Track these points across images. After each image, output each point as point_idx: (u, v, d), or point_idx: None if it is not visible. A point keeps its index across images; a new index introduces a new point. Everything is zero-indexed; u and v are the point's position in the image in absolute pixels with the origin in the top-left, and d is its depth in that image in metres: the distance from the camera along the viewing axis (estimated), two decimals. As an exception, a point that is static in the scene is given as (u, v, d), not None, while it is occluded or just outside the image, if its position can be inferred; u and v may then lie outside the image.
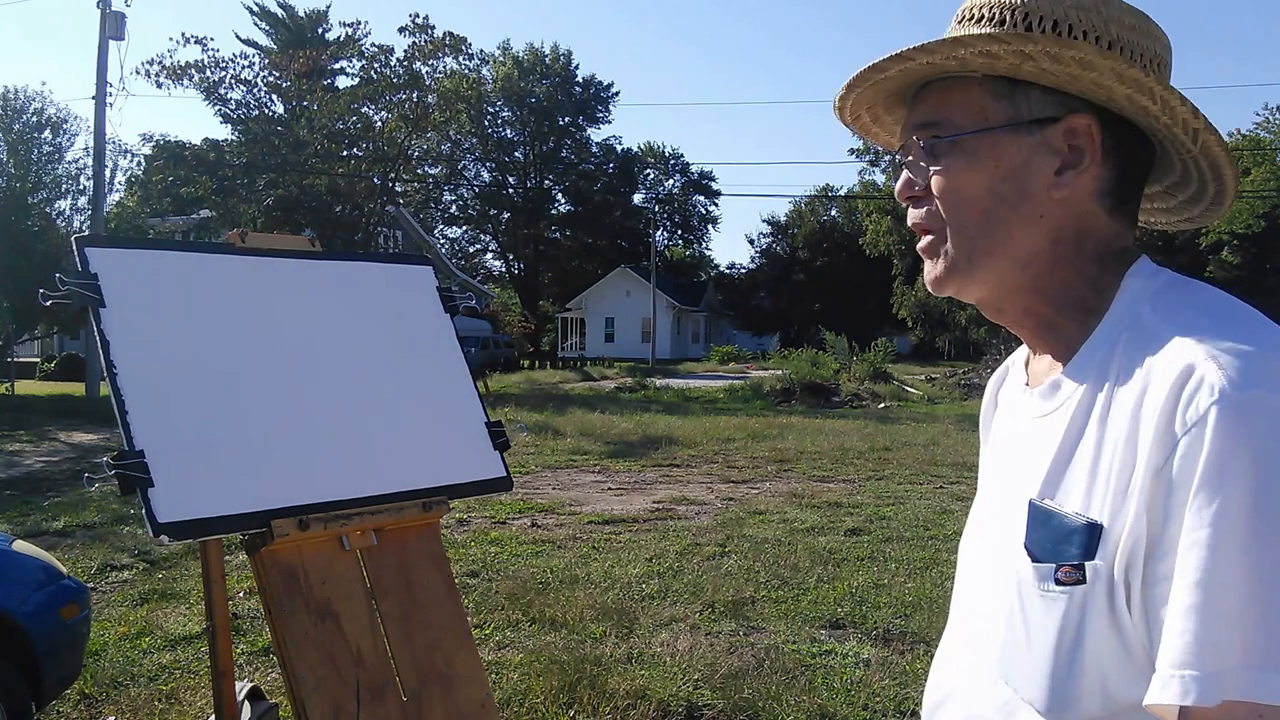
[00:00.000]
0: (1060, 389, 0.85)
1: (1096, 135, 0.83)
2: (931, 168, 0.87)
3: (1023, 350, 1.00)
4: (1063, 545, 0.77)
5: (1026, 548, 0.81)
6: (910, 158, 0.90)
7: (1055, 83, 0.83)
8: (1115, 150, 0.85)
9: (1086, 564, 0.75)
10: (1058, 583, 0.76)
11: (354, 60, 29.42)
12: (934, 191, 0.88)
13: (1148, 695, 0.69)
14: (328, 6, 42.31)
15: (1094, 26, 0.83)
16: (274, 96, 27.64)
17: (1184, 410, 0.70)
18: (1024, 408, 0.91)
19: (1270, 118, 38.67)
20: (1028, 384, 0.92)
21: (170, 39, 64.96)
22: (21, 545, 3.56)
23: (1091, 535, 0.75)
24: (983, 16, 0.86)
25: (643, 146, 59.40)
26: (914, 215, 0.91)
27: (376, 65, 26.86)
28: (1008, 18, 0.84)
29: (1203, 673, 0.65)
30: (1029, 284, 0.87)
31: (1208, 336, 0.74)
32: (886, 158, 0.91)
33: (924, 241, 0.91)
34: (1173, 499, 0.70)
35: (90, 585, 5.49)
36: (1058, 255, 0.86)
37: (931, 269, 0.91)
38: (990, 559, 0.90)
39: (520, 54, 54.34)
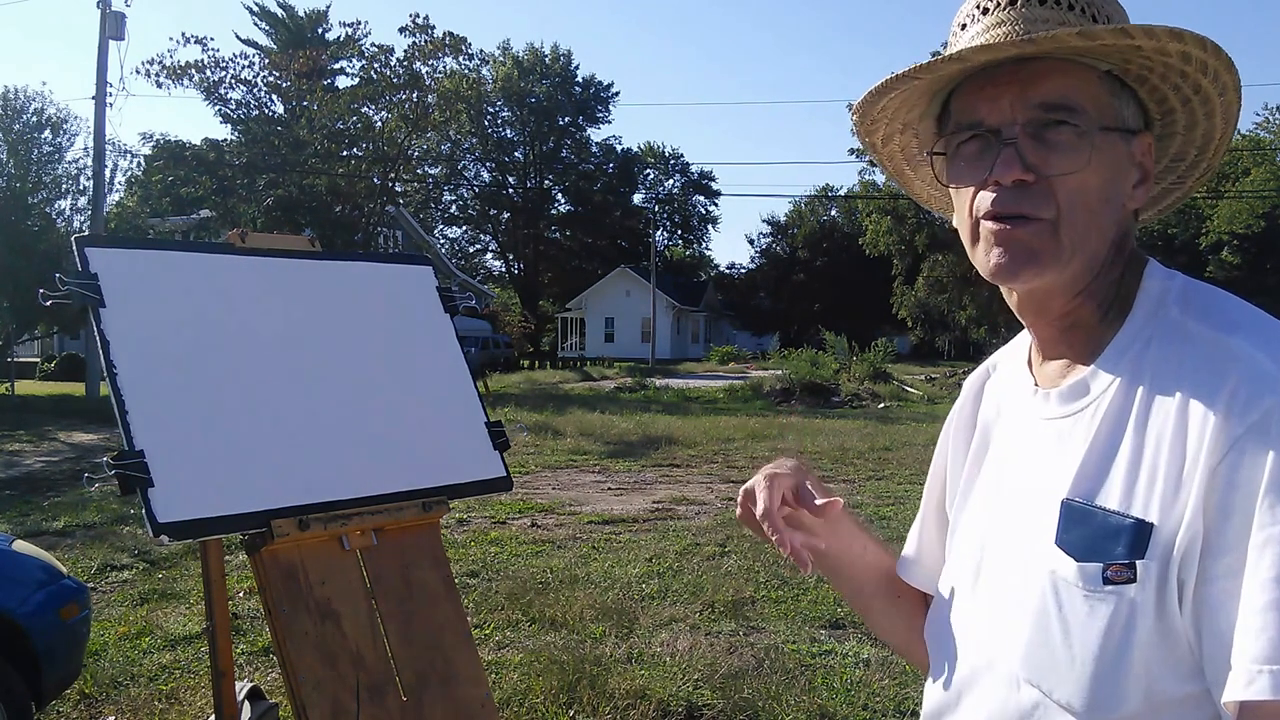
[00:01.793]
0: (1088, 389, 0.84)
1: (1153, 154, 0.87)
2: (1068, 154, 0.81)
3: (1008, 351, 1.00)
4: (1107, 544, 0.76)
5: (1061, 547, 0.79)
6: (1017, 140, 0.82)
7: (1153, 96, 0.86)
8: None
9: (1138, 563, 0.74)
10: (1106, 581, 0.75)
11: (354, 60, 29.50)
12: (1055, 179, 0.81)
13: (1229, 690, 0.68)
14: (328, 6, 42.35)
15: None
16: (274, 96, 27.65)
17: (1243, 407, 0.70)
18: (1034, 411, 0.90)
19: (1270, 118, 38.67)
20: (1037, 385, 0.91)
21: (170, 39, 65.07)
22: (21, 545, 3.56)
23: (1140, 534, 0.74)
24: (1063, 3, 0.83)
25: (643, 146, 59.48)
26: (1009, 200, 0.83)
27: (376, 65, 26.88)
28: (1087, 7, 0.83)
29: None
30: (1084, 284, 0.86)
31: (1253, 336, 0.74)
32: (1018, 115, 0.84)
33: (1013, 226, 0.83)
34: (1235, 496, 0.69)
35: (90, 585, 5.49)
36: (1111, 257, 0.86)
37: (1003, 253, 0.83)
38: (1003, 560, 0.88)
39: (520, 54, 54.36)
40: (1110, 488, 0.78)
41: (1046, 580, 0.80)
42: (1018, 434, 0.92)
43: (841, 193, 58.10)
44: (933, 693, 0.96)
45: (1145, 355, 0.80)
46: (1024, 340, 0.98)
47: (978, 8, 0.87)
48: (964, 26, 0.88)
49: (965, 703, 0.90)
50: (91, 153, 21.15)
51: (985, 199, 0.84)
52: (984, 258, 0.86)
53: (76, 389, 23.18)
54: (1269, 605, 0.66)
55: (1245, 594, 0.68)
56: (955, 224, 0.92)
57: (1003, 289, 0.90)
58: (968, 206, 0.87)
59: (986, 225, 0.85)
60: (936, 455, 1.09)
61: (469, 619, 3.20)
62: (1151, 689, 0.74)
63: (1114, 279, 0.86)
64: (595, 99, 55.91)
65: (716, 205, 64.82)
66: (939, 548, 1.04)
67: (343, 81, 31.96)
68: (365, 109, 26.86)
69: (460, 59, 27.43)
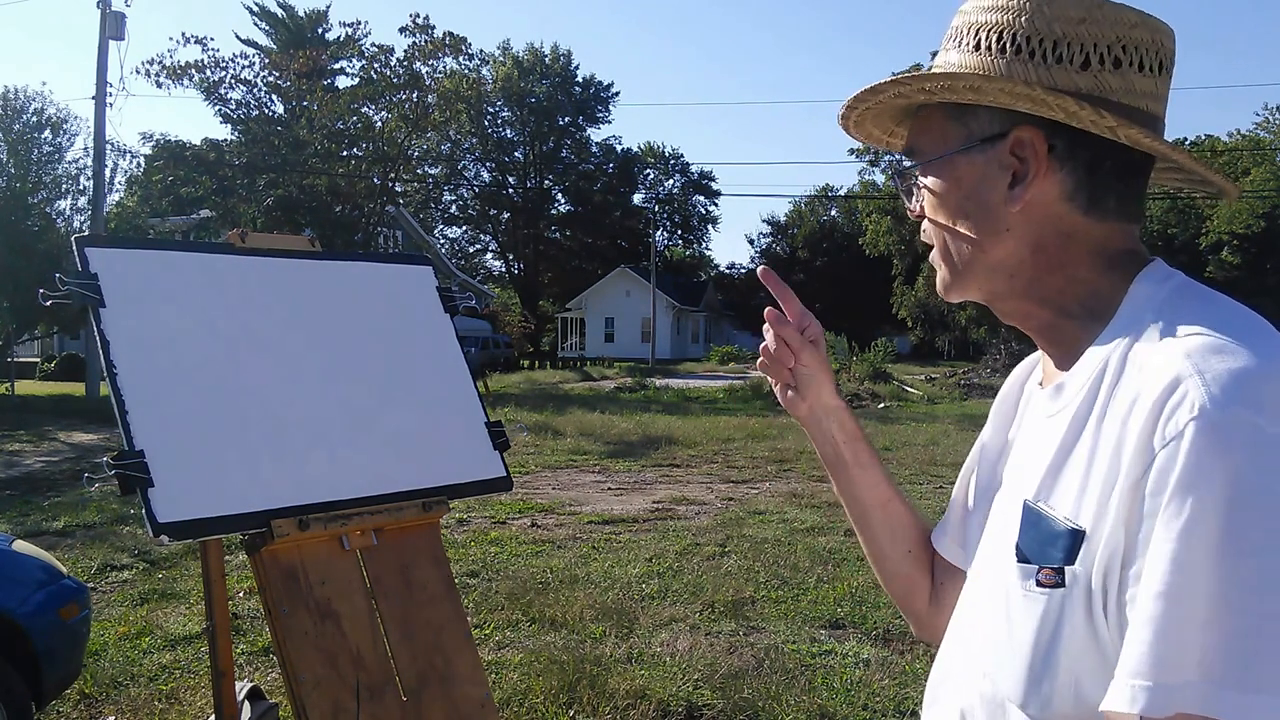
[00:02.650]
0: (1064, 392, 0.85)
1: (1039, 145, 0.84)
2: (915, 191, 0.94)
3: None
4: (1048, 548, 0.78)
5: (1017, 547, 0.82)
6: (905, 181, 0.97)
7: (994, 103, 0.86)
8: (1070, 153, 0.84)
9: (1066, 568, 0.76)
10: (1038, 584, 0.78)
11: (354, 60, 29.47)
12: (924, 212, 0.94)
13: (1104, 701, 0.69)
14: (328, 6, 42.34)
15: (1036, 30, 0.83)
16: (274, 96, 27.65)
17: (1164, 424, 0.70)
18: (1038, 406, 0.92)
19: (1270, 118, 38.69)
20: (1041, 383, 0.94)
21: (170, 39, 65.01)
22: (21, 545, 3.56)
23: (1074, 541, 0.76)
24: (953, 36, 0.91)
25: (643, 146, 59.45)
26: (923, 231, 0.97)
27: (376, 65, 26.88)
28: (968, 38, 0.89)
29: (1155, 683, 0.65)
30: (1020, 290, 0.89)
31: (1200, 350, 0.73)
32: (887, 158, 0.93)
33: (931, 255, 0.97)
34: (1144, 509, 0.70)
35: (90, 585, 5.49)
36: (1043, 262, 0.87)
37: (937, 278, 0.98)
38: (989, 554, 0.91)
39: (520, 54, 54.37)
40: (1065, 493, 0.79)
41: (1003, 577, 0.83)
42: (1026, 428, 0.95)
43: (841, 193, 58.20)
44: (930, 677, 1.00)
45: (1113, 361, 0.81)
46: None
47: (947, 36, 0.94)
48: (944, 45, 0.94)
49: (949, 686, 0.94)
50: (91, 153, 21.15)
51: None
52: None
53: (76, 389, 23.19)
54: (1148, 620, 0.67)
55: (1135, 606, 0.69)
56: None
57: None
58: None
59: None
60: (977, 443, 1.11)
61: (469, 619, 3.20)
62: (1080, 693, 0.75)
63: (1064, 282, 0.87)
64: (595, 99, 55.91)
65: (716, 205, 64.86)
66: (961, 524, 1.08)
67: (343, 81, 31.98)
68: (365, 109, 26.86)
69: (460, 59, 27.46)
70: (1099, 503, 0.74)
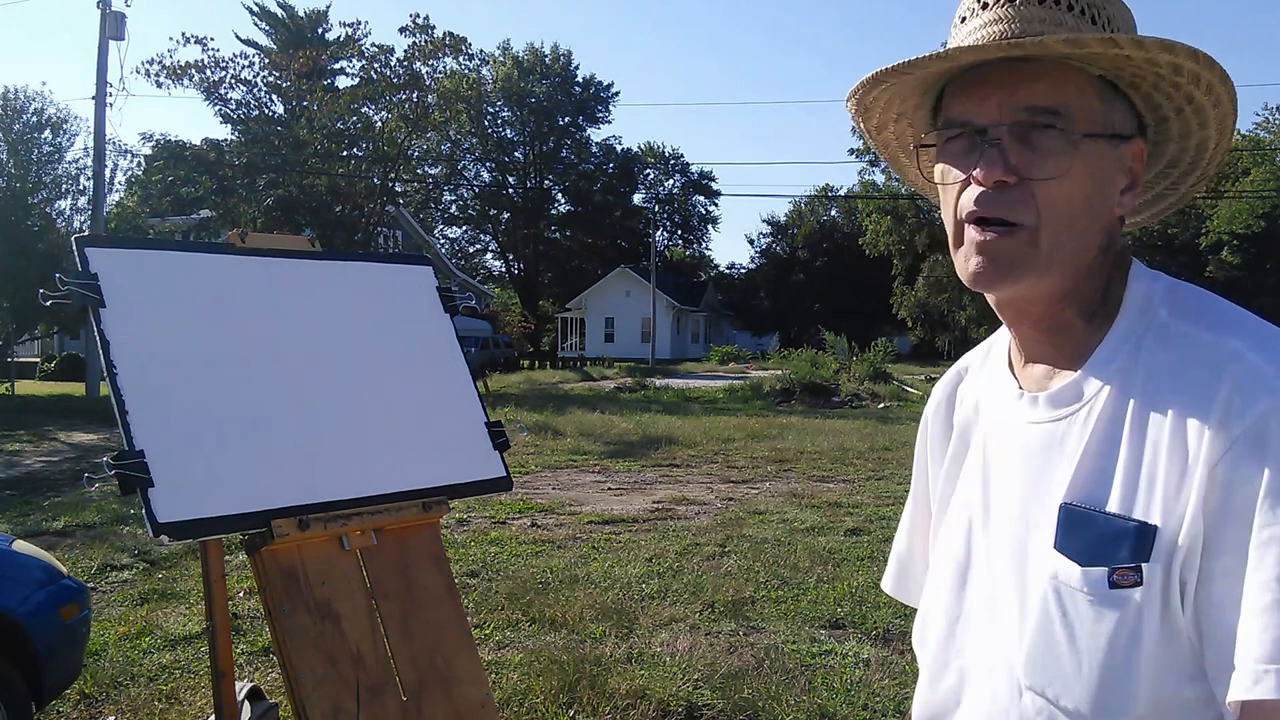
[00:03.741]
0: (1081, 393, 0.83)
1: (1144, 160, 0.85)
2: (1050, 159, 0.79)
3: (980, 354, 0.99)
4: (1110, 548, 0.75)
5: (1062, 552, 0.79)
6: (1002, 141, 0.80)
7: (1147, 103, 0.84)
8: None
9: (1143, 566, 0.74)
10: (1113, 586, 0.75)
11: (354, 60, 29.39)
12: (1036, 183, 0.80)
13: (1234, 690, 0.68)
14: (328, 6, 42.35)
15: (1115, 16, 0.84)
16: (274, 96, 27.64)
17: (1240, 408, 0.70)
18: (1021, 414, 0.88)
19: (1270, 118, 38.62)
20: (1021, 389, 0.90)
21: (170, 39, 64.98)
22: (21, 545, 3.56)
23: (1143, 537, 0.74)
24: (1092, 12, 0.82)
25: (643, 146, 59.43)
26: (991, 202, 0.81)
27: (376, 65, 26.86)
28: (1124, 27, 0.83)
29: None
30: (1069, 289, 0.84)
31: (1247, 337, 0.74)
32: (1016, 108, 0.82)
33: (991, 235, 0.81)
34: (1233, 497, 0.70)
35: (90, 585, 5.49)
36: (1097, 263, 0.85)
37: (983, 262, 0.82)
38: (993, 564, 0.87)
39: (520, 54, 54.38)
40: (1110, 491, 0.77)
41: (1048, 586, 0.79)
42: (1003, 437, 0.91)
43: (841, 193, 58.17)
44: (926, 700, 0.94)
45: (1137, 358, 0.80)
46: (999, 341, 0.98)
47: (978, 1, 0.85)
48: (964, 20, 0.86)
49: (961, 710, 0.89)
50: (91, 153, 21.16)
51: (969, 199, 0.82)
52: (964, 263, 0.84)
53: (76, 389, 23.18)
54: (1272, 605, 0.66)
55: (1247, 594, 0.68)
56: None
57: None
58: (953, 205, 0.85)
59: (970, 232, 0.83)
60: (916, 467, 1.08)
61: (469, 619, 3.20)
62: (1159, 691, 0.73)
63: (1100, 284, 0.85)
64: (595, 99, 55.91)
65: (716, 205, 64.85)
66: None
67: (343, 81, 31.94)
68: (365, 109, 26.85)
69: (460, 59, 27.44)
70: (1166, 495, 0.73)
